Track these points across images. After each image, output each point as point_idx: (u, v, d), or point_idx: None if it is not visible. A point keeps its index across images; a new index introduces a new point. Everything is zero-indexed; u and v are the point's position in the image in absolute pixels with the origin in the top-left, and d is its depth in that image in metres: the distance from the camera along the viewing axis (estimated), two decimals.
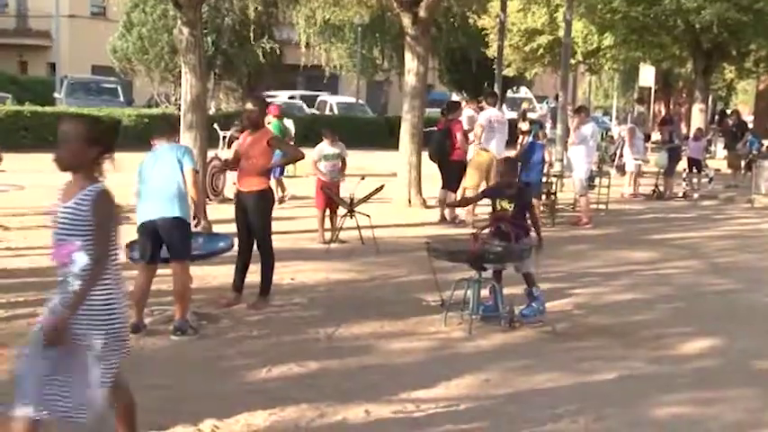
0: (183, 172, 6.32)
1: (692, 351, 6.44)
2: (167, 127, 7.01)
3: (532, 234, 7.07)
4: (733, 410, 5.26)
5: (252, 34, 28.30)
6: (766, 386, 5.69)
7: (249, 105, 7.34)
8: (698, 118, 24.84)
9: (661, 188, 16.47)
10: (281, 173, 13.98)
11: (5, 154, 10.60)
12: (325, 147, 10.38)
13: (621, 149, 21.72)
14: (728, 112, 26.62)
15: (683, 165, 17.20)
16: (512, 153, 12.54)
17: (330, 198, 10.26)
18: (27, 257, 8.80)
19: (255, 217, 7.11)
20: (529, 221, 7.09)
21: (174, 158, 6.36)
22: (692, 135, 18.60)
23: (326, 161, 10.32)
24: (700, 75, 25.48)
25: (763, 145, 21.58)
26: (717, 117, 31.42)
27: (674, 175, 16.69)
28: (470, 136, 12.34)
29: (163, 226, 6.25)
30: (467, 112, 13.59)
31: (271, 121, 13.45)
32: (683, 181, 16.77)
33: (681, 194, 16.39)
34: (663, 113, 36.66)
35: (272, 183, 13.47)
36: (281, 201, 13.53)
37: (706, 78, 25.91)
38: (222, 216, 9.20)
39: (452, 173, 12.09)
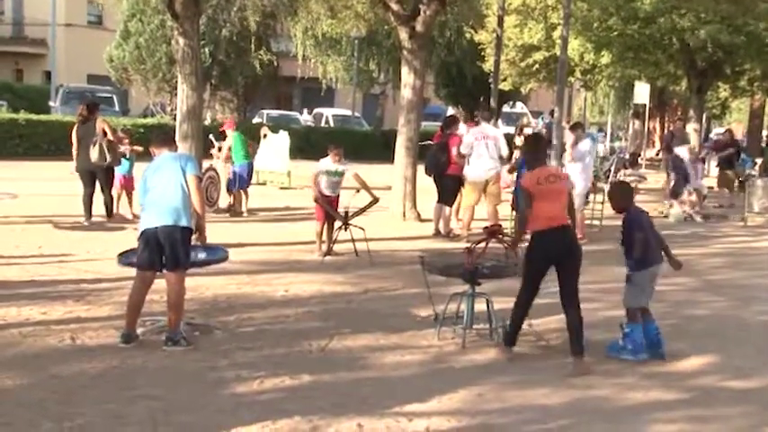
0: (186, 179, 6.31)
1: (686, 368, 6.43)
2: (167, 137, 6.96)
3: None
4: (727, 428, 5.25)
5: (250, 46, 28.39)
6: (761, 404, 5.68)
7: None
8: (692, 137, 24.91)
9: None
10: (241, 186, 13.67)
11: None
12: (328, 163, 10.28)
13: (616, 166, 21.73)
14: (712, 135, 26.49)
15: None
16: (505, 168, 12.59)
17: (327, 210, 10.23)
18: (19, 266, 8.77)
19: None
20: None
21: (178, 167, 6.34)
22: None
23: (328, 177, 10.23)
24: (694, 93, 25.57)
25: (756, 164, 21.64)
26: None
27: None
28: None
29: (164, 233, 6.21)
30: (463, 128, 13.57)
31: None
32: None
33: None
34: (658, 132, 36.74)
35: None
36: (239, 214, 13.46)
37: (700, 96, 26.00)
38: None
39: (448, 187, 12.08)
